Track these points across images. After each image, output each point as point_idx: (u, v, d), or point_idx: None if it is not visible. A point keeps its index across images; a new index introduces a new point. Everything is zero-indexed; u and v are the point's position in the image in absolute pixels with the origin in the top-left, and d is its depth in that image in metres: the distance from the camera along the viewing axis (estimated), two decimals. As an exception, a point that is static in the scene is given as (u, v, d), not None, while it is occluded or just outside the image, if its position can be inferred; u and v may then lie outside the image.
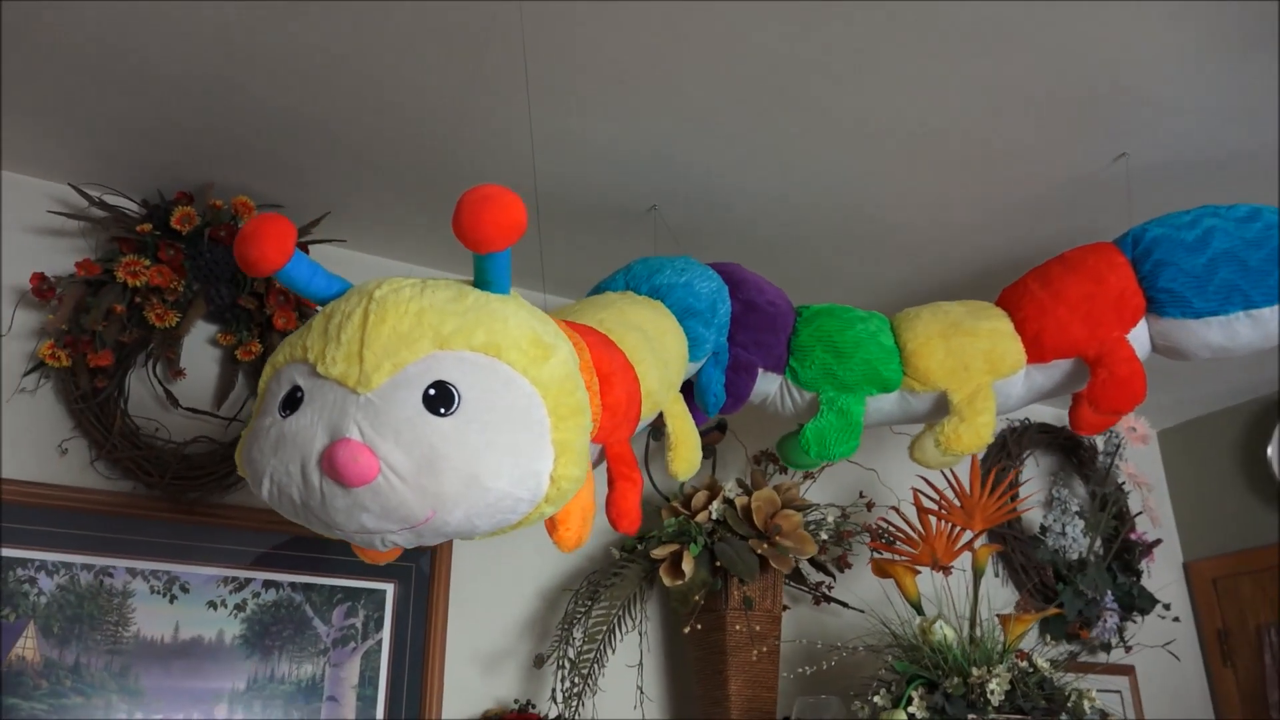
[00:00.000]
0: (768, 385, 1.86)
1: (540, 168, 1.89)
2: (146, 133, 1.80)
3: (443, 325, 1.00)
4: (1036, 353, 1.76)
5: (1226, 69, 1.66)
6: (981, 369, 1.75)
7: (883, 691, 1.94)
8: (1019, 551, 2.79)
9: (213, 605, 1.85)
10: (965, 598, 2.11)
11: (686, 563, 1.96)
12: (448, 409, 0.96)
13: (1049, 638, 2.69)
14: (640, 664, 2.07)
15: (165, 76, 1.64)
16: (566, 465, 1.04)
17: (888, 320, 1.86)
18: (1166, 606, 2.85)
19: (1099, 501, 2.83)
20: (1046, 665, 1.97)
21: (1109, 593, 2.76)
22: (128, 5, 1.48)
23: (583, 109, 1.73)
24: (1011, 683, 1.93)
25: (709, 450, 2.26)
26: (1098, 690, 2.73)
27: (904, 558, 2.23)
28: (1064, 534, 2.72)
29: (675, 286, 1.71)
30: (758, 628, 1.99)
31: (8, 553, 1.73)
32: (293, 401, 1.00)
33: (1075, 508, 2.74)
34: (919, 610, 2.08)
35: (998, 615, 2.07)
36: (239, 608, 1.87)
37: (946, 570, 2.15)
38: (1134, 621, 2.81)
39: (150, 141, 1.83)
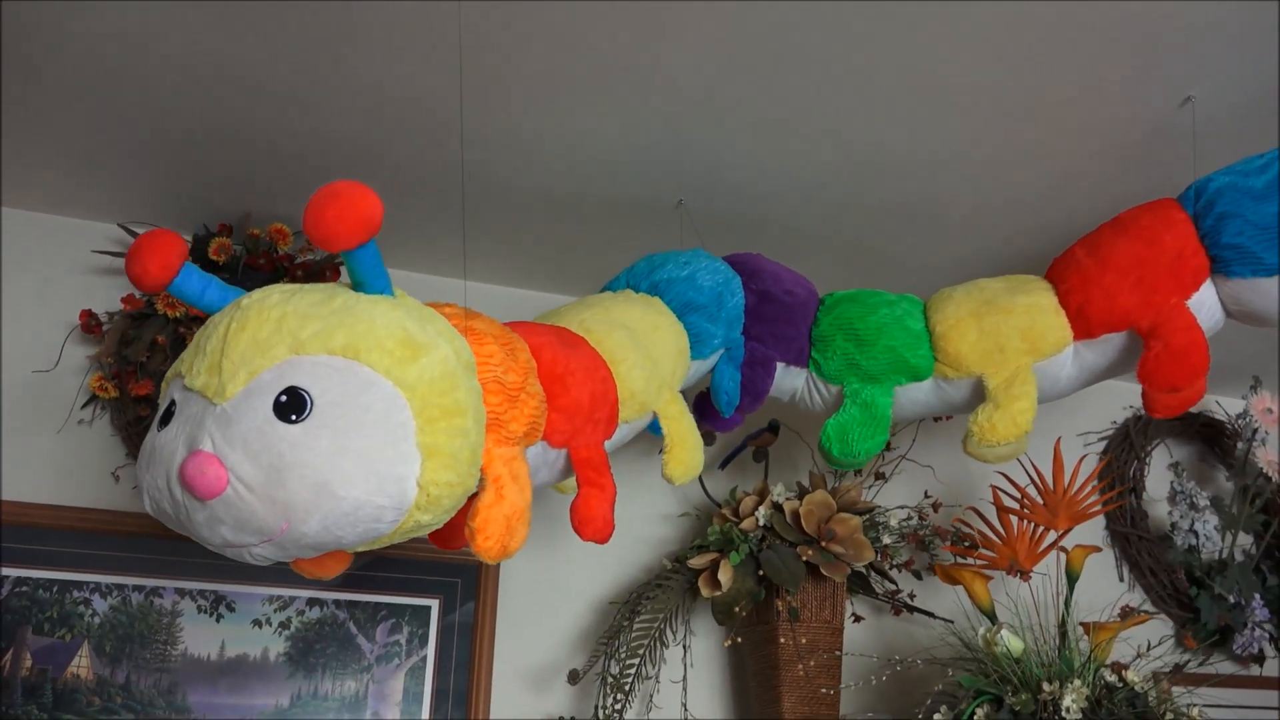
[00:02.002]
0: (793, 380, 1.74)
1: (560, 169, 1.85)
2: (187, 173, 1.87)
3: (301, 330, 0.97)
4: (1083, 327, 1.57)
5: None
6: (1019, 349, 1.58)
7: (943, 709, 1.77)
8: (1146, 553, 2.52)
9: (258, 624, 1.89)
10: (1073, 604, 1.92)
11: (723, 572, 1.85)
12: (299, 415, 0.93)
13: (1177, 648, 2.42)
14: (684, 679, 1.97)
15: (200, 121, 1.70)
16: (436, 470, 0.98)
17: (920, 303, 1.71)
18: (1330, 612, 2.50)
19: (1238, 494, 2.52)
20: (1138, 679, 1.75)
21: (1257, 596, 2.45)
22: (163, 59, 1.55)
23: (586, 108, 1.66)
24: (1095, 699, 1.73)
25: (760, 453, 2.15)
26: (1246, 708, 2.45)
27: (981, 561, 2.05)
28: (1193, 532, 2.43)
29: (675, 281, 1.63)
30: (804, 640, 1.86)
31: (67, 575, 1.82)
32: (167, 416, 1.00)
33: (1204, 502, 2.44)
34: (993, 619, 1.89)
35: (1081, 623, 1.86)
36: (283, 626, 1.90)
37: (1025, 575, 1.95)
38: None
39: (191, 180, 1.90)
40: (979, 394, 1.63)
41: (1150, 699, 1.76)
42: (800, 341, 1.70)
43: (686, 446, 1.53)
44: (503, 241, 2.08)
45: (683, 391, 1.85)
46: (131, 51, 1.54)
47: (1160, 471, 2.64)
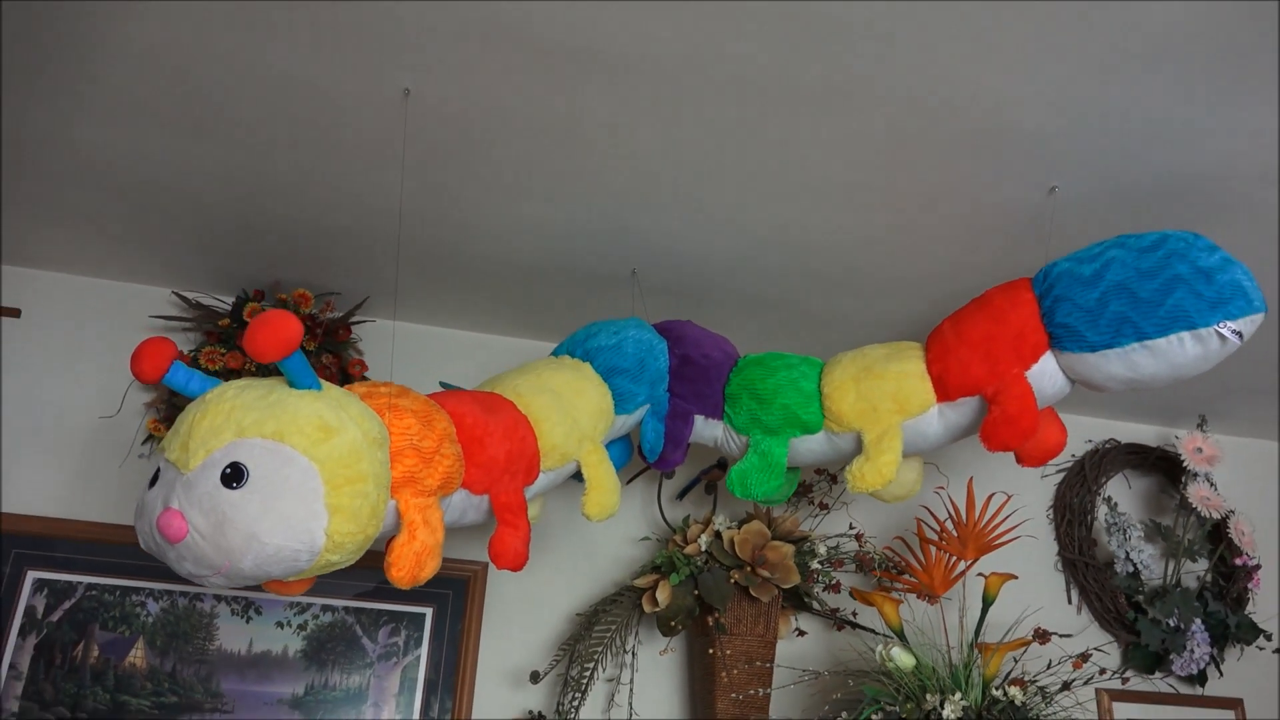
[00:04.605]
0: (713, 430, 2.04)
1: (535, 246, 2.18)
2: (226, 250, 2.27)
3: (244, 418, 1.32)
4: (943, 392, 1.83)
5: (1143, 89, 1.65)
6: (890, 409, 1.84)
7: (843, 715, 2.05)
8: (1092, 579, 2.72)
9: (280, 625, 2.28)
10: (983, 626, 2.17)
11: (661, 591, 2.16)
12: (238, 484, 1.28)
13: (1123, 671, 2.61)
14: (631, 681, 2.29)
15: (236, 213, 2.11)
16: (341, 523, 1.32)
17: (820, 365, 1.98)
18: (1268, 637, 2.67)
19: (1176, 525, 2.70)
20: (1019, 693, 2.00)
21: (1197, 621, 2.63)
22: (203, 171, 1.95)
23: (555, 199, 2.00)
24: (978, 710, 1.98)
25: (711, 486, 2.44)
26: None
27: (904, 586, 2.31)
28: (1130, 560, 2.63)
29: (604, 349, 1.94)
30: (729, 651, 2.15)
31: (128, 583, 2.24)
32: (154, 479, 1.36)
33: (1137, 533, 2.64)
34: (901, 637, 2.16)
35: (976, 645, 2.11)
36: (301, 627, 2.29)
37: (933, 599, 2.21)
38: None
39: (230, 255, 2.30)
40: (861, 445, 1.90)
41: (1031, 711, 2.00)
42: (715, 398, 2.00)
43: (603, 490, 1.85)
44: (493, 301, 2.43)
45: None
46: (181, 165, 1.94)
47: (1123, 503, 2.83)
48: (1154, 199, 1.90)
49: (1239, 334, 1.61)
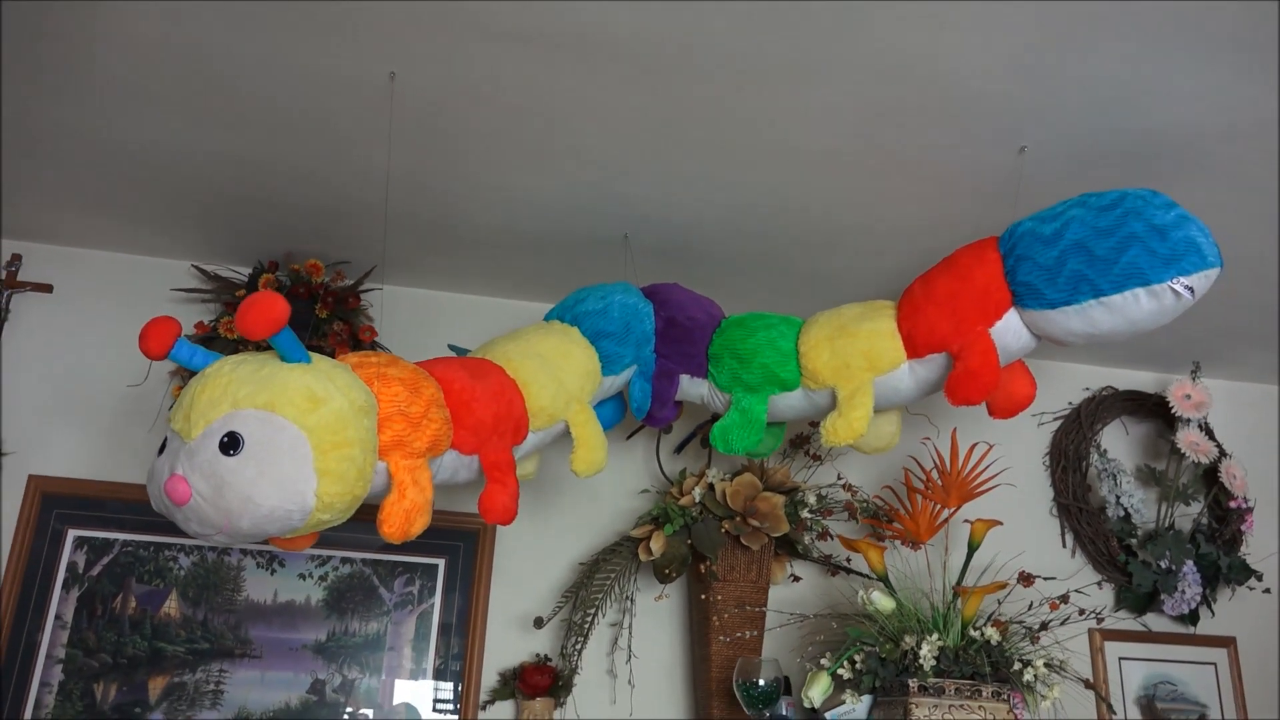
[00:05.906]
0: (699, 388, 2.13)
1: (532, 214, 2.28)
2: (241, 225, 2.40)
3: (239, 391, 1.44)
4: (912, 349, 1.90)
5: (1107, 52, 1.69)
6: (862, 367, 1.92)
7: (828, 655, 2.16)
8: (1086, 523, 2.79)
9: (303, 576, 2.43)
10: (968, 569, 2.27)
11: (655, 541, 2.28)
12: (235, 451, 1.40)
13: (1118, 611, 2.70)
14: (630, 626, 2.42)
15: (250, 192, 2.24)
16: (329, 485, 1.44)
17: (799, 324, 2.06)
18: (1259, 577, 2.73)
19: (1168, 469, 2.76)
20: (995, 634, 2.09)
21: (1189, 563, 2.70)
22: (218, 155, 2.09)
23: (553, 171, 2.09)
24: (955, 650, 2.08)
25: (706, 440, 2.54)
26: (1185, 663, 2.73)
27: (891, 533, 2.41)
28: (1119, 504, 2.69)
29: (590, 314, 2.04)
30: (720, 596, 2.27)
31: (161, 539, 2.40)
32: (162, 447, 1.49)
33: (1126, 479, 2.70)
34: (885, 582, 2.26)
35: (955, 588, 2.20)
36: (322, 578, 2.44)
37: (915, 545, 2.30)
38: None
39: (244, 230, 2.43)
40: (836, 401, 1.98)
41: (1006, 650, 2.10)
42: (700, 358, 2.09)
43: (589, 447, 1.95)
44: (493, 267, 2.53)
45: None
46: (192, 148, 2.07)
47: (1119, 449, 2.89)
48: (1119, 158, 1.94)
49: (1191, 289, 1.67)
